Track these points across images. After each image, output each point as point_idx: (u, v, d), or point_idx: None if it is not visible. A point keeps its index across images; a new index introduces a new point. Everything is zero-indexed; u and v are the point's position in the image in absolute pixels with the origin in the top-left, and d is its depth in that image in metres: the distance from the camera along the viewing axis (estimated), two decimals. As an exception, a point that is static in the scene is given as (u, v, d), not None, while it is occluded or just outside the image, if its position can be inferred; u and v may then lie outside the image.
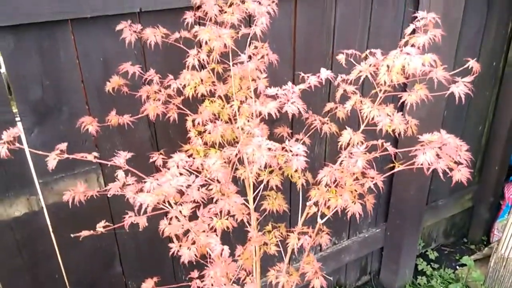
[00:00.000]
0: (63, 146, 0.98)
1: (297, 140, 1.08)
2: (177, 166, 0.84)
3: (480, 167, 2.78)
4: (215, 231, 0.96)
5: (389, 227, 2.45)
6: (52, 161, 0.96)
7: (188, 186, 0.79)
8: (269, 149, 0.82)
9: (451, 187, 2.70)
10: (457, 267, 2.78)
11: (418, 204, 2.35)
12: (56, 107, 1.33)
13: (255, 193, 1.25)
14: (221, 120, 1.22)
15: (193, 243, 0.96)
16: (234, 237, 1.68)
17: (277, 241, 1.37)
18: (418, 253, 2.81)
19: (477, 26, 2.23)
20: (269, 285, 1.46)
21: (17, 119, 1.29)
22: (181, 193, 0.83)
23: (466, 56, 2.18)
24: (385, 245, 2.53)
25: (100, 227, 1.03)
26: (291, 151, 0.85)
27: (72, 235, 1.14)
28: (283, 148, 0.86)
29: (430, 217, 2.68)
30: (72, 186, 1.41)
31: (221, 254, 0.89)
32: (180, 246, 1.10)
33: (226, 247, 0.91)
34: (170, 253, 1.11)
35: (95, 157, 1.01)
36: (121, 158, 1.01)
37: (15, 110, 1.29)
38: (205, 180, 0.91)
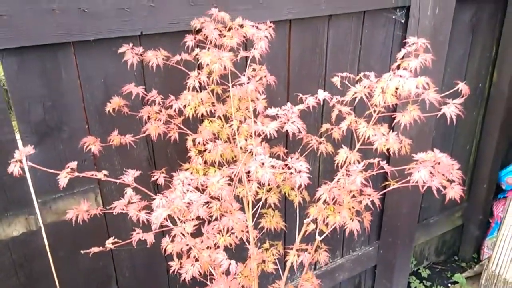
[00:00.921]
0: (74, 164, 1.00)
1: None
2: (182, 184, 0.86)
3: (469, 185, 2.84)
4: (217, 248, 0.98)
5: (382, 245, 2.48)
6: (63, 179, 0.98)
7: (192, 203, 0.81)
8: (273, 166, 0.86)
9: (441, 205, 2.75)
10: (449, 284, 2.81)
11: (410, 222, 2.38)
12: (56, 127, 1.35)
13: (254, 210, 1.27)
14: (221, 139, 1.25)
15: (196, 260, 0.98)
16: (230, 255, 1.69)
17: (274, 259, 1.39)
18: (411, 271, 2.83)
19: (462, 50, 2.32)
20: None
21: (17, 137, 1.31)
22: (188, 208, 0.86)
23: (453, 78, 2.27)
24: (378, 263, 2.55)
25: (109, 243, 1.04)
26: (293, 168, 0.88)
27: (82, 251, 1.16)
28: (286, 165, 0.90)
29: (421, 235, 2.71)
30: (71, 205, 1.43)
31: (228, 270, 0.91)
32: (181, 264, 1.12)
33: (233, 262, 0.93)
34: (171, 271, 1.12)
35: (104, 175, 1.03)
36: (130, 176, 1.03)
37: (15, 128, 1.31)
38: (208, 198, 0.94)
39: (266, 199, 1.33)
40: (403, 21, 1.97)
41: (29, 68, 1.26)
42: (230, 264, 0.93)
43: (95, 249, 1.13)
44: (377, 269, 2.57)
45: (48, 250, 1.48)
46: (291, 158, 0.93)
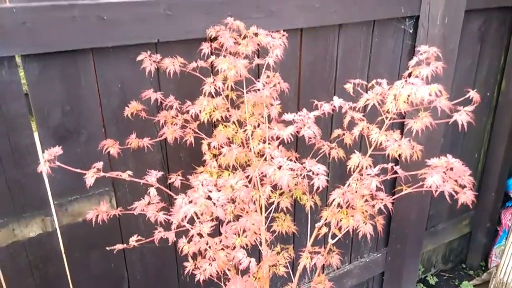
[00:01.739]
0: (99, 165, 1.04)
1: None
2: (202, 185, 0.89)
3: (477, 193, 2.85)
4: (233, 248, 1.01)
5: (390, 252, 2.49)
6: (90, 178, 1.02)
7: (215, 202, 0.84)
8: (291, 169, 0.88)
9: (448, 212, 2.76)
10: (457, 292, 2.81)
11: (418, 229, 2.39)
12: (75, 131, 1.39)
13: (266, 213, 1.30)
14: (235, 144, 1.28)
15: (213, 260, 1.00)
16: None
17: (286, 263, 1.41)
18: (418, 279, 2.83)
19: (471, 59, 2.35)
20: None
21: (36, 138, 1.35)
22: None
23: (461, 87, 2.29)
24: (386, 270, 2.55)
25: (133, 241, 1.07)
26: (311, 171, 0.91)
27: (107, 248, 1.19)
28: (304, 168, 0.92)
29: (429, 242, 2.72)
30: (86, 207, 1.47)
31: (248, 267, 0.93)
32: (195, 265, 1.15)
33: (253, 260, 0.96)
34: (186, 271, 1.15)
35: (129, 175, 1.07)
36: (152, 176, 1.07)
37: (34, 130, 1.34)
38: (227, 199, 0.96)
39: (278, 203, 1.36)
40: (411, 30, 2.00)
41: (50, 74, 1.30)
42: (250, 261, 0.95)
43: (119, 246, 1.17)
44: (385, 276, 2.57)
45: (63, 251, 1.52)
46: (308, 161, 0.96)
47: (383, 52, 2.00)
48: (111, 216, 1.15)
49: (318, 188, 0.91)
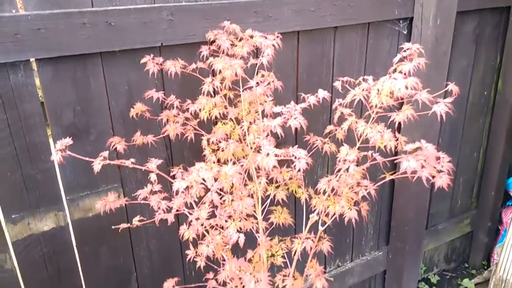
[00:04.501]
0: (105, 153, 1.13)
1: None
2: (198, 171, 0.98)
3: (477, 192, 2.89)
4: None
5: (391, 250, 2.54)
6: (97, 165, 1.12)
7: (206, 180, 0.92)
8: (276, 155, 0.97)
9: (449, 212, 2.81)
10: (459, 290, 2.84)
11: (417, 227, 2.44)
12: (85, 130, 1.49)
13: (263, 206, 1.38)
14: (233, 139, 1.37)
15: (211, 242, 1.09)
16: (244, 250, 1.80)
17: (283, 253, 1.49)
18: (420, 278, 2.88)
19: (467, 59, 2.41)
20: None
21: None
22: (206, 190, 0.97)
23: (458, 86, 2.35)
24: (387, 268, 2.60)
25: (136, 221, 1.16)
26: (294, 155, 1.00)
27: (113, 227, 1.28)
28: (287, 154, 1.01)
29: (430, 241, 2.77)
30: (96, 203, 1.56)
31: (237, 242, 1.01)
32: (197, 253, 1.23)
33: (242, 235, 1.04)
34: (187, 258, 1.23)
35: (132, 163, 1.16)
36: (153, 163, 1.16)
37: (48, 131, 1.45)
38: (220, 189, 1.05)
39: (274, 195, 1.44)
40: (405, 32, 2.08)
41: (62, 76, 1.41)
42: (239, 237, 1.04)
43: (123, 225, 1.25)
44: (387, 275, 2.62)
45: (74, 244, 1.61)
46: (291, 148, 1.04)
47: (379, 53, 2.08)
48: (119, 206, 1.24)
49: (299, 170, 0.99)
